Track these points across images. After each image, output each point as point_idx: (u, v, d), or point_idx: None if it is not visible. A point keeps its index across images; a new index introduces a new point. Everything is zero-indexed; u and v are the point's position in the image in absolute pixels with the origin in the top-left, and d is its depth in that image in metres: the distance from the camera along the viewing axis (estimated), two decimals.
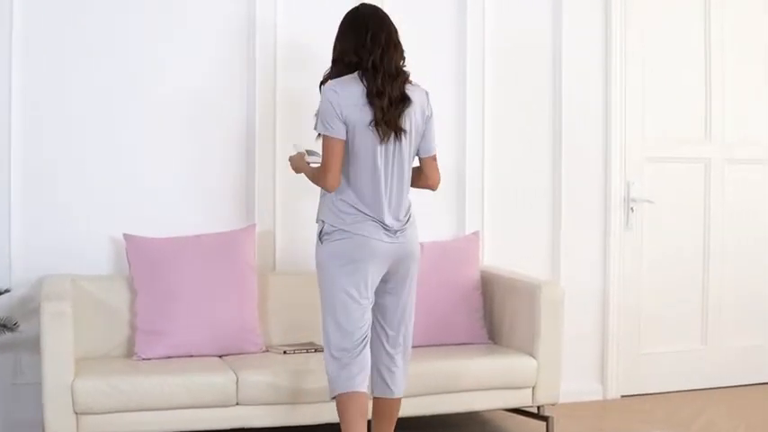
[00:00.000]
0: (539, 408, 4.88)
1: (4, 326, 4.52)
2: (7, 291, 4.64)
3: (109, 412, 4.17)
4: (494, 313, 5.13)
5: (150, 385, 4.23)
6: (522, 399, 4.80)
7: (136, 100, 4.97)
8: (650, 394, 5.78)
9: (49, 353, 4.12)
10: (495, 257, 5.47)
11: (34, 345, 4.57)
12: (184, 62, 5.05)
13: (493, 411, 5.16)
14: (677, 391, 5.83)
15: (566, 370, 5.00)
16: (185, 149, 5.05)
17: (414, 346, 4.80)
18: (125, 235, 4.75)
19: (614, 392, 5.74)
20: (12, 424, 4.75)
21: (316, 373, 4.31)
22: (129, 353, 4.66)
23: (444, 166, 5.40)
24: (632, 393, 5.77)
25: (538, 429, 4.87)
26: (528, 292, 4.87)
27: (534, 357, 4.77)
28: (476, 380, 4.68)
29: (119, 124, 4.94)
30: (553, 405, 4.86)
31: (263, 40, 5.13)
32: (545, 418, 4.85)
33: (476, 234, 5.32)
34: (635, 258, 5.82)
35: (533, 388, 4.78)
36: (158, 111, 5.01)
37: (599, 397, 5.71)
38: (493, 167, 5.55)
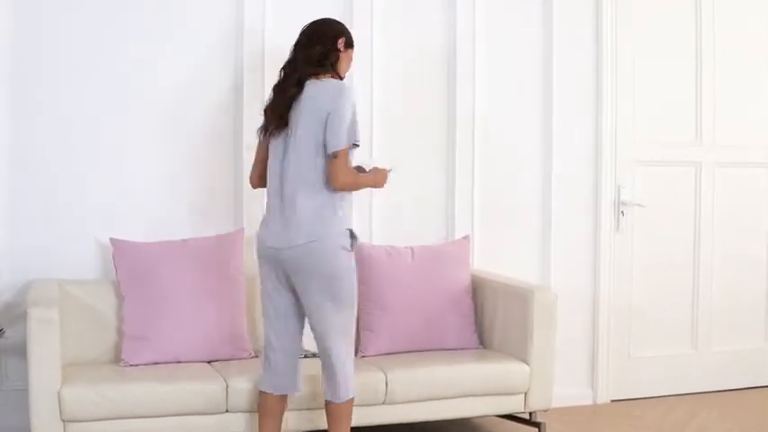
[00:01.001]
0: (531, 414, 4.84)
1: None
2: None
3: (96, 420, 4.11)
4: (485, 318, 5.08)
5: (138, 393, 4.17)
6: (515, 405, 4.76)
7: (123, 105, 4.92)
8: (640, 399, 5.76)
9: (36, 360, 4.05)
10: (485, 262, 5.43)
11: (20, 350, 4.52)
12: (171, 68, 5.00)
13: (484, 417, 5.12)
14: (668, 396, 5.81)
15: (556, 374, 4.95)
16: (172, 154, 5.00)
17: (404, 352, 4.80)
18: (111, 239, 4.69)
19: (605, 397, 5.71)
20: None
21: (304, 379, 4.25)
22: (117, 359, 4.60)
23: (435, 170, 5.46)
24: (622, 398, 5.74)
25: None
26: (520, 297, 4.83)
27: (527, 363, 4.73)
28: (467, 386, 4.64)
29: (106, 128, 4.89)
30: (545, 411, 4.83)
31: (250, 48, 5.10)
32: (537, 425, 4.81)
33: (466, 238, 5.28)
34: (625, 262, 5.79)
35: (525, 394, 4.74)
36: (145, 115, 4.96)
37: (589, 401, 5.69)
38: (483, 171, 5.51)
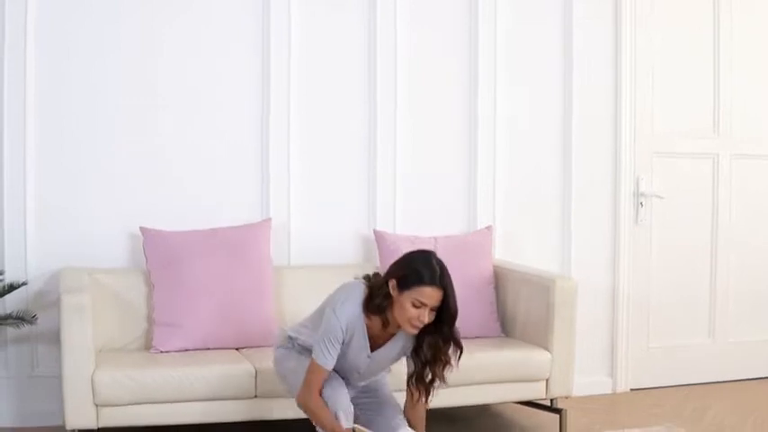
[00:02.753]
0: (552, 400, 4.92)
1: (22, 319, 4.54)
2: (24, 284, 4.66)
3: (129, 404, 4.20)
4: (507, 307, 5.15)
5: (170, 377, 4.26)
6: (536, 391, 4.83)
7: (153, 96, 5.01)
8: (659, 388, 5.82)
9: (69, 345, 4.14)
10: (505, 252, 5.50)
11: (50, 337, 4.63)
12: (202, 60, 5.09)
13: (505, 404, 5.21)
14: (686, 385, 5.87)
15: (576, 364, 5.01)
16: (202, 144, 5.09)
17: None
18: (142, 228, 4.77)
19: (624, 386, 5.79)
20: (29, 415, 4.79)
21: None
22: (147, 346, 4.68)
23: (457, 162, 5.54)
24: (641, 387, 5.80)
25: (550, 422, 4.91)
26: (542, 286, 4.89)
27: (548, 350, 4.80)
28: (490, 372, 4.71)
29: (136, 119, 4.99)
30: (566, 398, 4.90)
31: (278, 38, 5.17)
32: (558, 411, 4.88)
33: (489, 228, 5.34)
34: (644, 253, 5.86)
35: (547, 380, 4.81)
36: (176, 107, 5.06)
37: (609, 390, 5.76)
38: (504, 163, 5.59)
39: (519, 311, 5.07)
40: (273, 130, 5.15)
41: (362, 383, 4.03)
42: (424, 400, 3.89)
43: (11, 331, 4.74)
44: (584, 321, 5.30)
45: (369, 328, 3.83)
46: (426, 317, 3.67)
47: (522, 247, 5.58)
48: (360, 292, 3.83)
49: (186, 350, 4.60)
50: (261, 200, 5.16)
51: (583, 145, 5.71)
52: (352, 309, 3.80)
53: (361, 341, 3.83)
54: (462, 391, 4.66)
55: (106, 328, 4.59)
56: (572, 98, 5.68)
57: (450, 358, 3.80)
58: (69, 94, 4.87)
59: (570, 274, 5.57)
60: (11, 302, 4.66)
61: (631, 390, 5.78)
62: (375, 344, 3.87)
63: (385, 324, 3.80)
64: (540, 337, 4.87)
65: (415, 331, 3.72)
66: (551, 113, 5.70)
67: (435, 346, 3.78)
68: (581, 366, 5.29)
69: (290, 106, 5.19)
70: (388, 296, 3.73)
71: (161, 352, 4.58)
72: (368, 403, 4.02)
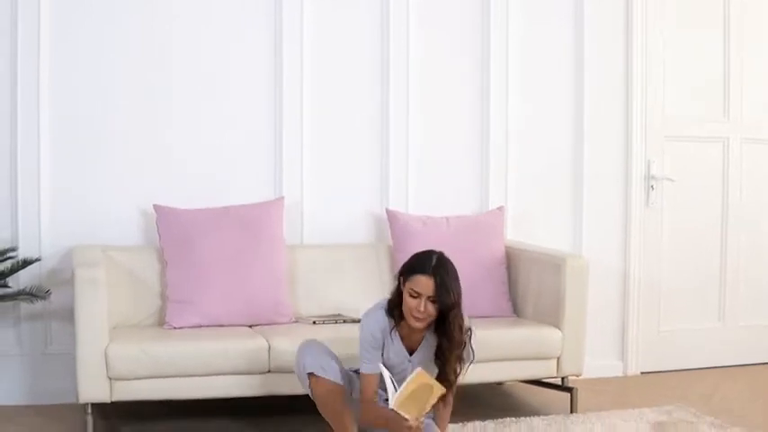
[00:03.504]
0: (562, 379, 4.93)
1: (34, 295, 4.56)
2: (38, 260, 4.69)
3: (142, 378, 4.22)
4: (518, 287, 5.16)
5: (183, 351, 4.29)
6: (547, 370, 4.84)
7: (167, 73, 5.04)
8: (669, 371, 5.82)
9: (83, 319, 4.17)
10: (517, 234, 5.51)
11: (64, 315, 4.67)
12: (216, 40, 5.12)
13: (516, 384, 5.24)
14: (696, 369, 5.87)
15: (587, 347, 5.02)
16: (214, 122, 5.11)
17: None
18: (155, 206, 4.79)
19: (634, 369, 5.79)
20: (42, 393, 4.81)
21: (345, 342, 4.27)
22: (160, 323, 4.71)
23: (469, 143, 5.55)
24: (652, 370, 5.81)
25: (561, 401, 4.93)
26: (553, 265, 4.90)
27: (559, 328, 4.81)
28: (501, 350, 4.70)
29: (150, 96, 5.01)
30: (577, 376, 4.91)
31: (291, 19, 5.19)
32: (569, 389, 4.89)
33: (500, 209, 5.35)
34: (655, 236, 5.86)
35: (558, 359, 4.82)
36: (189, 84, 5.08)
37: (619, 373, 5.77)
38: (516, 145, 5.60)
39: (530, 291, 5.08)
40: (287, 108, 5.18)
41: None
42: (447, 396, 3.94)
43: (24, 309, 4.78)
44: (594, 304, 5.29)
45: (402, 336, 3.97)
46: (424, 307, 3.80)
47: (533, 229, 5.58)
48: (383, 301, 4.01)
49: (199, 326, 4.62)
50: (274, 179, 5.19)
51: (594, 128, 5.72)
52: (375, 314, 3.97)
53: (396, 346, 3.97)
54: (473, 368, 4.65)
55: (120, 306, 4.61)
56: (583, 82, 5.68)
57: (461, 343, 3.90)
58: (83, 73, 4.90)
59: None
60: (24, 279, 4.68)
61: (642, 373, 5.79)
62: (411, 348, 4.00)
63: (399, 324, 3.95)
64: (551, 316, 4.88)
65: (418, 324, 3.85)
66: (563, 97, 5.71)
67: (442, 344, 3.91)
68: (591, 349, 5.28)
69: (303, 85, 5.22)
70: (400, 293, 3.91)
71: (174, 328, 4.60)
72: None
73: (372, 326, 3.94)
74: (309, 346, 4.03)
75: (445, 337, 3.87)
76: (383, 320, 3.94)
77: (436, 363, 3.91)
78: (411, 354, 3.99)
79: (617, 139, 5.78)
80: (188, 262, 4.69)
